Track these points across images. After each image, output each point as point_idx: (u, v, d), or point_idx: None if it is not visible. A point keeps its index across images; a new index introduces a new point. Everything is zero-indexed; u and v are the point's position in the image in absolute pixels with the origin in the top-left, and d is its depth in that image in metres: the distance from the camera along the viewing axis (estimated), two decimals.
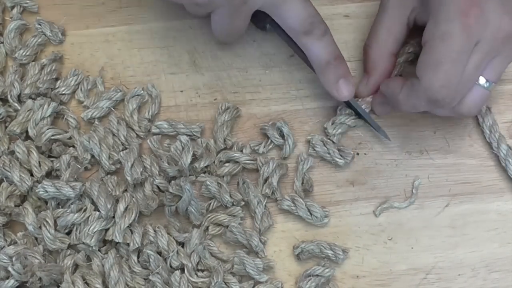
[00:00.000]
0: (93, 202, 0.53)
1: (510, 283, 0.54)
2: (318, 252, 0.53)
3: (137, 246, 0.52)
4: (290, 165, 0.56)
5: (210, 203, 0.54)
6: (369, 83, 0.56)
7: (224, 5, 0.50)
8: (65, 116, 0.57)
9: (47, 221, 0.52)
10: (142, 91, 0.57)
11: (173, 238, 0.53)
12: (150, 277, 0.52)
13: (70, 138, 0.55)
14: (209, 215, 0.54)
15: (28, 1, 0.60)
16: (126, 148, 0.55)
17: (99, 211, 0.52)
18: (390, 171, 0.56)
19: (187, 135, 0.55)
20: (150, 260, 0.52)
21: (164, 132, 0.56)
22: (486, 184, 0.56)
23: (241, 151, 0.56)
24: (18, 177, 0.53)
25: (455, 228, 0.55)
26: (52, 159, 0.55)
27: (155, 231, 0.53)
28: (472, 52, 0.49)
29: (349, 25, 0.60)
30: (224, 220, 0.54)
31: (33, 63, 0.57)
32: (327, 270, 0.52)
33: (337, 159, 0.55)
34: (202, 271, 0.53)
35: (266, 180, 0.55)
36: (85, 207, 0.53)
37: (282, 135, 0.56)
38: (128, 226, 0.52)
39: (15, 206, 0.53)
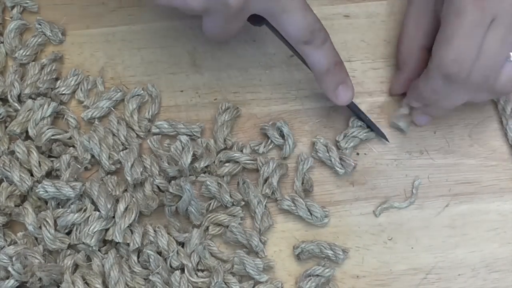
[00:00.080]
0: (93, 202, 0.53)
1: (510, 283, 0.54)
2: (318, 252, 0.53)
3: (137, 246, 0.52)
4: (290, 165, 0.56)
5: (210, 203, 0.54)
6: (401, 79, 0.56)
7: (220, 10, 0.49)
8: (65, 116, 0.57)
9: (47, 221, 0.52)
10: (142, 91, 0.57)
11: (173, 238, 0.53)
12: (150, 277, 0.52)
13: (70, 138, 0.55)
14: (209, 215, 0.54)
15: (28, 1, 0.60)
16: (126, 148, 0.55)
17: (99, 211, 0.52)
18: (390, 171, 0.56)
19: (187, 135, 0.55)
20: (150, 260, 0.52)
21: (164, 132, 0.56)
22: (486, 184, 0.56)
23: (241, 151, 0.56)
24: (18, 177, 0.53)
25: (455, 228, 0.55)
26: (52, 159, 0.55)
27: (155, 231, 0.53)
28: (490, 28, 0.48)
29: (349, 25, 0.60)
30: (224, 220, 0.54)
31: (33, 63, 0.57)
32: (327, 270, 0.52)
33: (338, 168, 0.55)
34: (202, 271, 0.53)
35: (266, 180, 0.55)
36: (85, 207, 0.53)
37: (282, 135, 0.56)
38: (128, 226, 0.52)
39: (15, 206, 0.53)
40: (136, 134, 0.56)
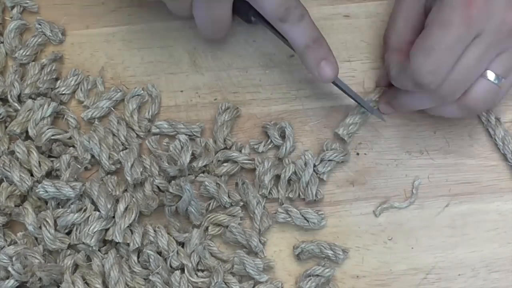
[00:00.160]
0: (93, 202, 0.53)
1: (510, 283, 0.54)
2: (318, 252, 0.53)
3: (137, 246, 0.52)
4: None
5: (210, 203, 0.54)
6: (386, 73, 0.56)
7: None
8: (65, 116, 0.57)
9: (47, 221, 0.52)
10: (142, 91, 0.57)
11: (173, 238, 0.53)
12: (150, 277, 0.52)
13: (70, 138, 0.55)
14: (208, 215, 0.54)
15: (28, 1, 0.60)
16: (126, 148, 0.55)
17: (99, 211, 0.52)
18: (390, 171, 0.56)
19: (187, 135, 0.55)
20: (150, 260, 0.52)
21: (164, 132, 0.56)
22: (486, 184, 0.56)
23: (240, 151, 0.56)
24: (18, 177, 0.53)
25: (455, 228, 0.55)
26: (52, 159, 0.55)
27: (155, 231, 0.53)
28: (472, 43, 0.48)
29: (349, 25, 0.60)
30: (224, 220, 0.54)
31: (33, 63, 0.57)
32: (327, 270, 0.52)
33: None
34: (202, 271, 0.53)
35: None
36: (85, 207, 0.53)
37: (282, 136, 0.56)
38: (128, 226, 0.52)
39: (15, 206, 0.53)
40: (136, 134, 0.56)
